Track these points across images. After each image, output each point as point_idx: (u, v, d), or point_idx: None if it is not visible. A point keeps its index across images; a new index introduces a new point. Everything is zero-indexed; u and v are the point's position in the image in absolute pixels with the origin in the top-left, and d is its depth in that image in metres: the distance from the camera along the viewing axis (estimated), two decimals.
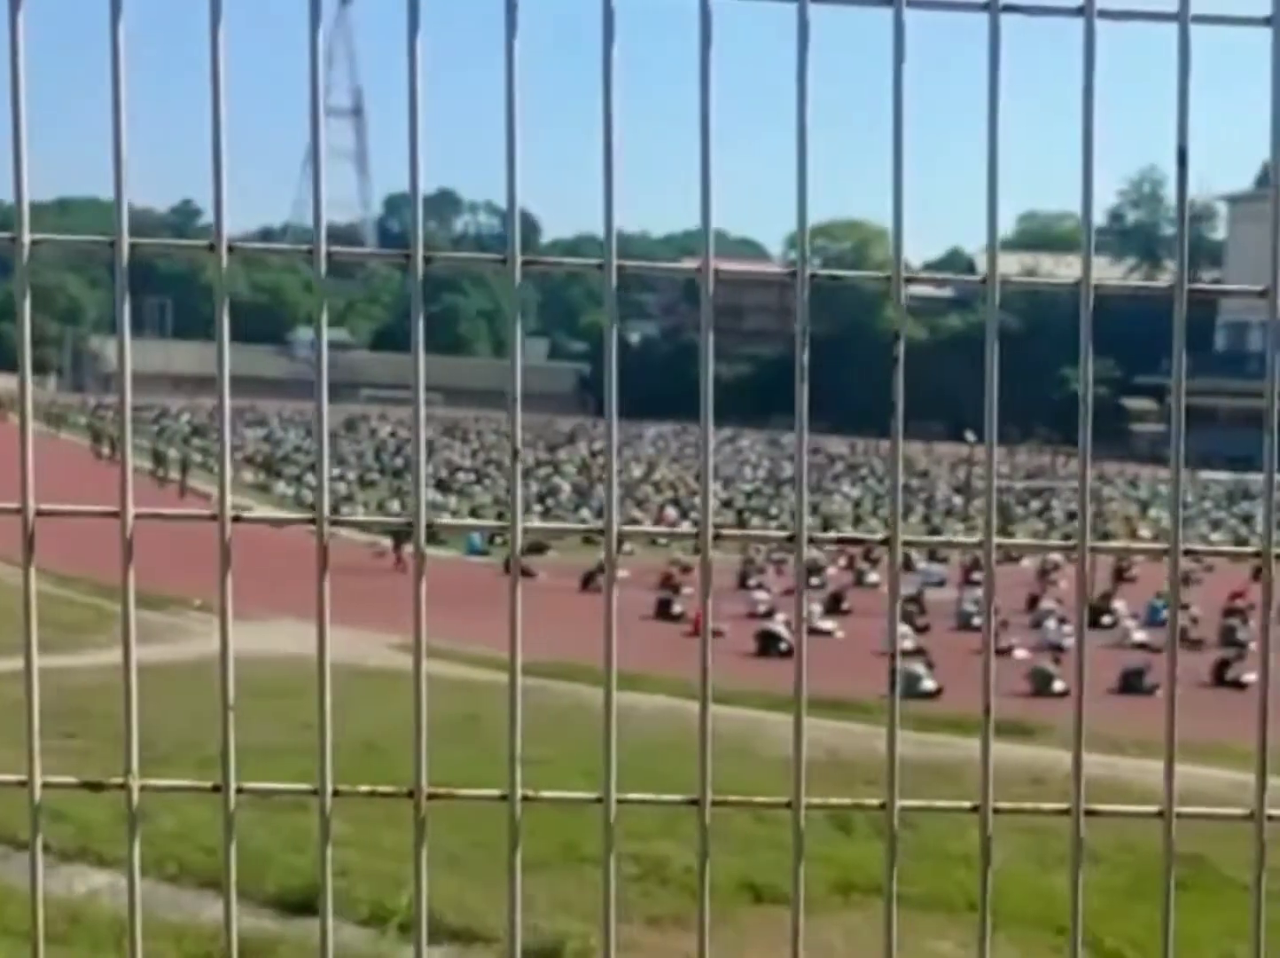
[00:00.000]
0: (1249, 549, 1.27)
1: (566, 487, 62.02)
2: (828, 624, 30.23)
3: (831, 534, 1.34)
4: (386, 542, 39.17)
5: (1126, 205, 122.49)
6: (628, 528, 1.41)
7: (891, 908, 1.23)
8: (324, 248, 1.22)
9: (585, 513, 52.20)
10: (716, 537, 1.24)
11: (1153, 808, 1.21)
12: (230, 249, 1.23)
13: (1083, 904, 1.21)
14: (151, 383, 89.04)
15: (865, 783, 11.29)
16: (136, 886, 1.26)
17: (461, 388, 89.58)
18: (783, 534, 1.25)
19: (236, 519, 1.26)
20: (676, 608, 31.71)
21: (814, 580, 36.82)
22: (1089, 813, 1.20)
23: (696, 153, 1.22)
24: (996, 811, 1.25)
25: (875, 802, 1.22)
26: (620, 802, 1.24)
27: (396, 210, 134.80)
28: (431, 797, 1.24)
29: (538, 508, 52.31)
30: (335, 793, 1.24)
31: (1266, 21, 1.31)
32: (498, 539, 42.66)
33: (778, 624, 28.47)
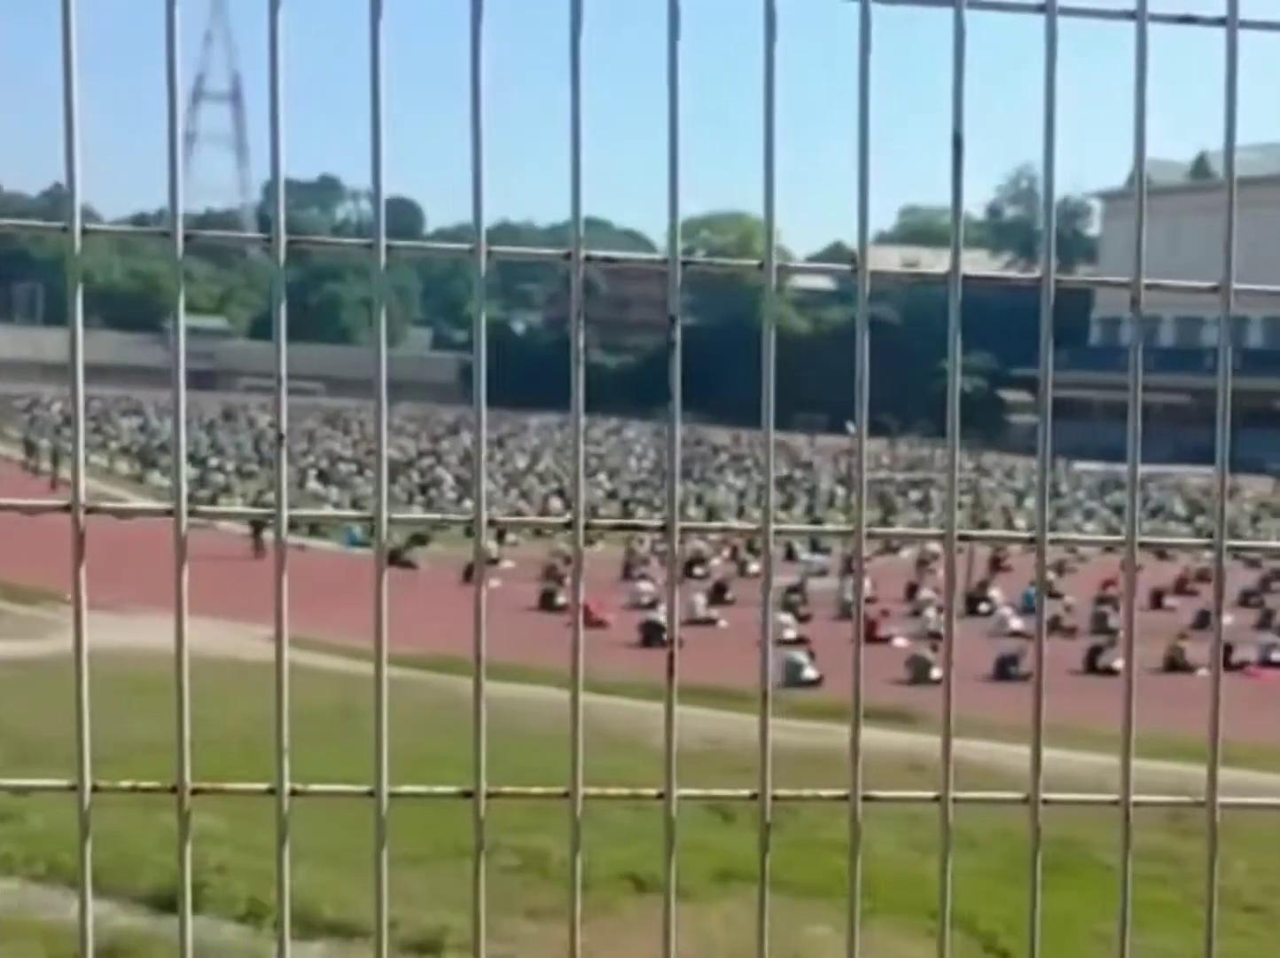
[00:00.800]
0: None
1: (449, 478, 61.60)
2: (711, 613, 30.43)
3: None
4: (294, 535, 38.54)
5: (1004, 201, 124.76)
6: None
7: (670, 897, 1.24)
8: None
9: (469, 504, 51.86)
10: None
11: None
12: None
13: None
14: (22, 370, 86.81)
15: (744, 772, 11.42)
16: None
17: (343, 378, 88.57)
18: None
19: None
20: (560, 599, 31.69)
21: (698, 571, 37.01)
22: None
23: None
24: (776, 798, 1.27)
25: (653, 791, 1.22)
26: (393, 795, 1.22)
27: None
28: (196, 792, 1.20)
29: (420, 499, 51.92)
30: (95, 789, 1.20)
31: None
32: None
33: (662, 615, 28.60)
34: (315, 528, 41.91)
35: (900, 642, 27.82)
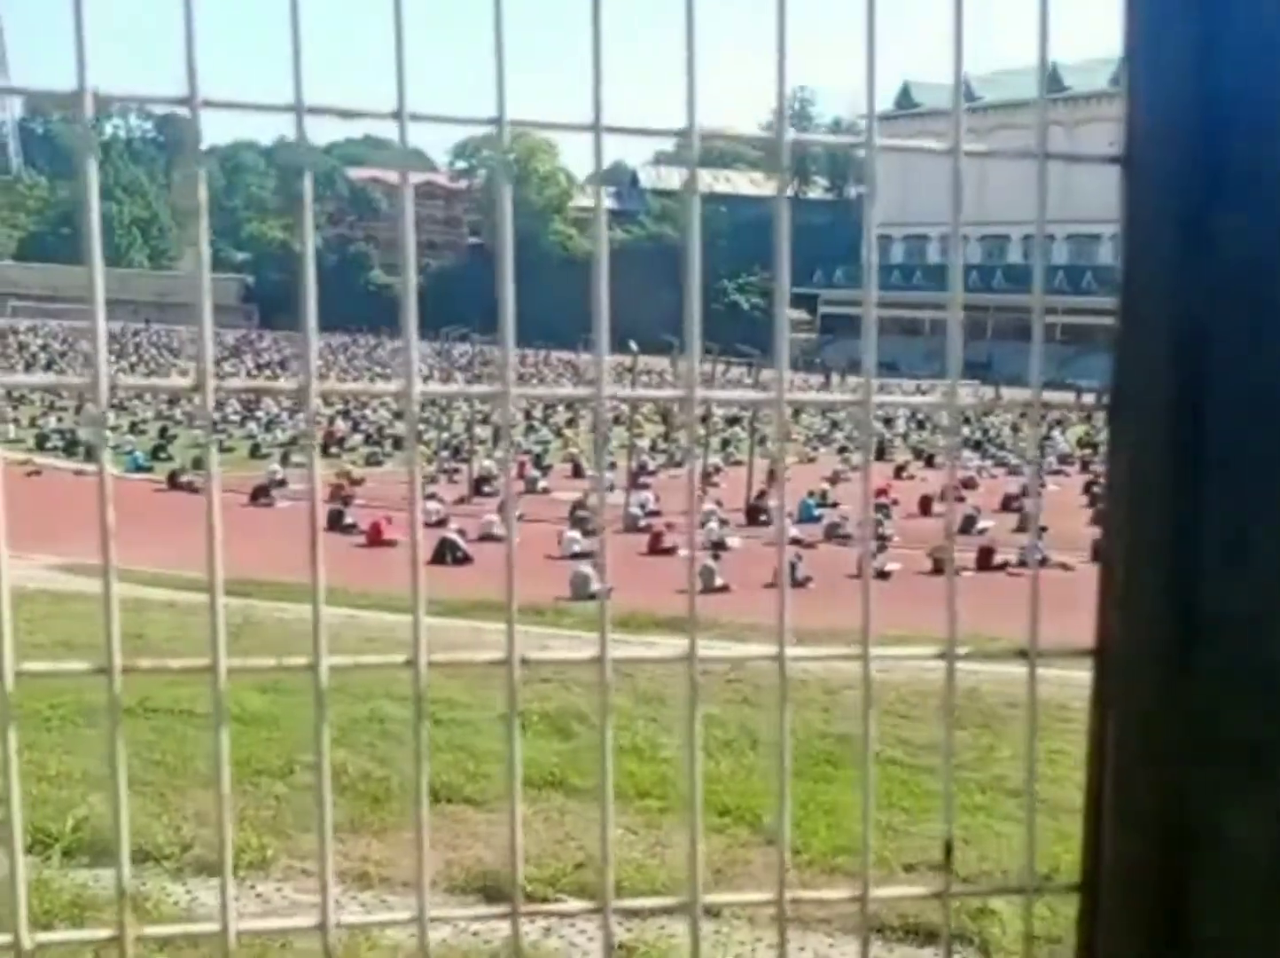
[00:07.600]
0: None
1: (233, 401, 59.93)
2: (502, 531, 30.45)
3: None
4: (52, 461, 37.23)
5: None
6: (525, 390, 1.37)
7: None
8: None
9: (252, 427, 50.66)
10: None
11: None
12: None
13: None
14: None
15: (538, 680, 11.54)
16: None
17: (117, 299, 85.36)
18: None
19: None
20: (349, 519, 31.31)
21: (486, 489, 36.95)
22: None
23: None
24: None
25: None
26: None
27: (43, 109, 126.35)
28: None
29: (200, 424, 50.49)
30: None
31: None
32: (161, 455, 41.19)
33: (451, 532, 28.52)
34: (90, 452, 40.54)
35: (684, 552, 28.23)
